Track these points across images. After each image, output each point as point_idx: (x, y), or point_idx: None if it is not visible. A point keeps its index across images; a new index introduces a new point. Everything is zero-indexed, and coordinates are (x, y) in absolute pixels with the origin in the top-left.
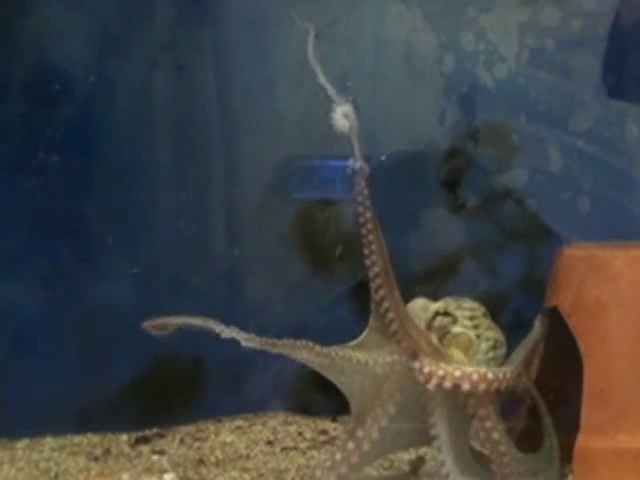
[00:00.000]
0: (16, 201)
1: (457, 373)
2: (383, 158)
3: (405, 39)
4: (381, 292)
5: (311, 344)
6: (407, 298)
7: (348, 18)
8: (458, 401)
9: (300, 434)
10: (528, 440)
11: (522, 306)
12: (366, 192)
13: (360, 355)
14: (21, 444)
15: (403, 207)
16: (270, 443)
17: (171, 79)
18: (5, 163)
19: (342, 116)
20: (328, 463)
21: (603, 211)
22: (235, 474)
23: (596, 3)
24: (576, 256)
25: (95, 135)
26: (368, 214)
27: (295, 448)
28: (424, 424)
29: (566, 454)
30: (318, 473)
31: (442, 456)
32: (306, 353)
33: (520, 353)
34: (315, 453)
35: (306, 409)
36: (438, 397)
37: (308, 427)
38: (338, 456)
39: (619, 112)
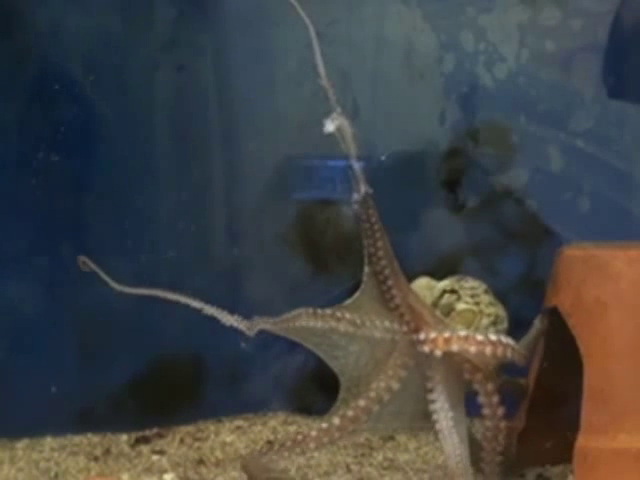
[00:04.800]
0: (16, 201)
1: (462, 333)
2: (383, 158)
3: (405, 39)
4: (382, 266)
5: (310, 309)
6: None
7: (348, 18)
8: (461, 378)
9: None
10: (528, 440)
11: (522, 306)
12: (370, 201)
13: (356, 316)
14: (21, 444)
15: (403, 207)
16: (270, 443)
17: (171, 79)
18: (5, 163)
19: (334, 127)
20: (325, 424)
21: (603, 211)
22: (235, 474)
23: (596, 3)
24: (576, 256)
25: (95, 135)
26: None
27: None
28: (425, 403)
29: (566, 454)
30: (314, 433)
31: (443, 425)
32: (305, 319)
33: (524, 343)
34: (315, 453)
35: (306, 409)
36: (440, 374)
37: (308, 427)
38: (337, 420)
39: (619, 112)
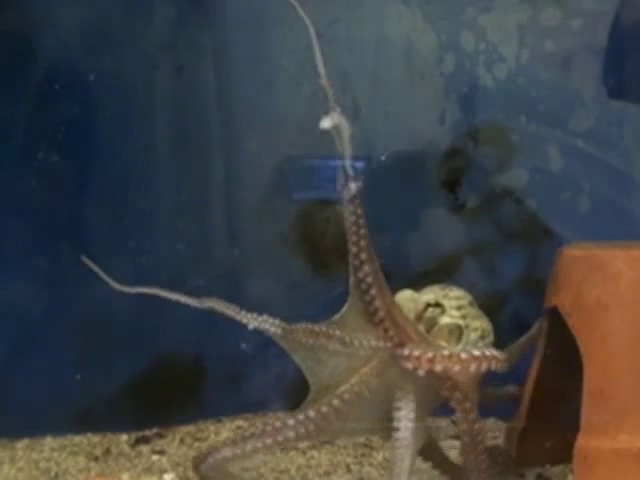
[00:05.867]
0: (16, 201)
1: (446, 353)
2: (383, 158)
3: (405, 39)
4: (365, 273)
5: (307, 325)
6: None
7: (348, 18)
8: (436, 394)
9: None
10: (528, 440)
11: (522, 306)
12: (359, 201)
13: (345, 334)
14: (21, 444)
15: (403, 207)
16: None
17: (171, 79)
18: (5, 163)
19: (329, 124)
20: (301, 416)
21: (603, 211)
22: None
23: (596, 3)
24: (576, 256)
25: (95, 135)
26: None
27: (295, 448)
28: (389, 413)
29: (566, 454)
30: (291, 422)
31: (401, 434)
32: (302, 334)
33: (515, 345)
34: (315, 453)
35: None
36: (414, 386)
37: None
38: (312, 413)
39: (619, 112)
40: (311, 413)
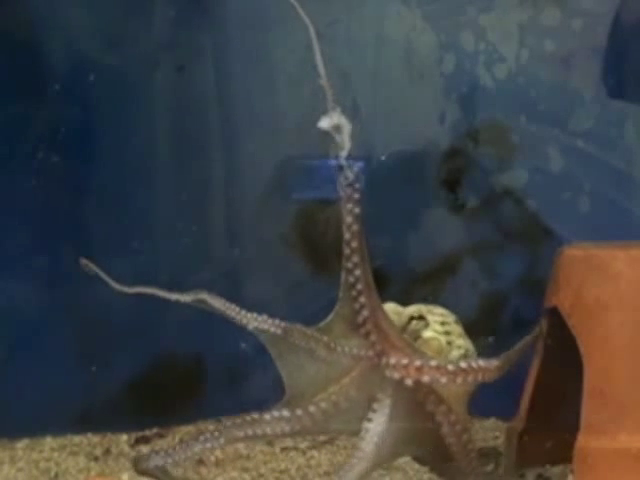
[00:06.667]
0: (16, 201)
1: (434, 363)
2: (383, 158)
3: (405, 39)
4: (354, 263)
5: (302, 326)
6: (406, 298)
7: (348, 18)
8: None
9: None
10: (528, 440)
11: (522, 306)
12: (357, 195)
13: (331, 340)
14: (21, 444)
15: (403, 207)
16: (270, 443)
17: (171, 79)
18: (5, 163)
19: (327, 124)
20: (276, 413)
21: (603, 211)
22: (235, 474)
23: (596, 3)
24: (576, 256)
25: (95, 135)
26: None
27: (295, 448)
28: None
29: (566, 454)
30: (267, 417)
31: (364, 445)
32: (297, 335)
33: (508, 353)
34: (315, 453)
35: None
36: (390, 402)
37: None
38: (286, 413)
39: (619, 112)
40: (286, 412)
